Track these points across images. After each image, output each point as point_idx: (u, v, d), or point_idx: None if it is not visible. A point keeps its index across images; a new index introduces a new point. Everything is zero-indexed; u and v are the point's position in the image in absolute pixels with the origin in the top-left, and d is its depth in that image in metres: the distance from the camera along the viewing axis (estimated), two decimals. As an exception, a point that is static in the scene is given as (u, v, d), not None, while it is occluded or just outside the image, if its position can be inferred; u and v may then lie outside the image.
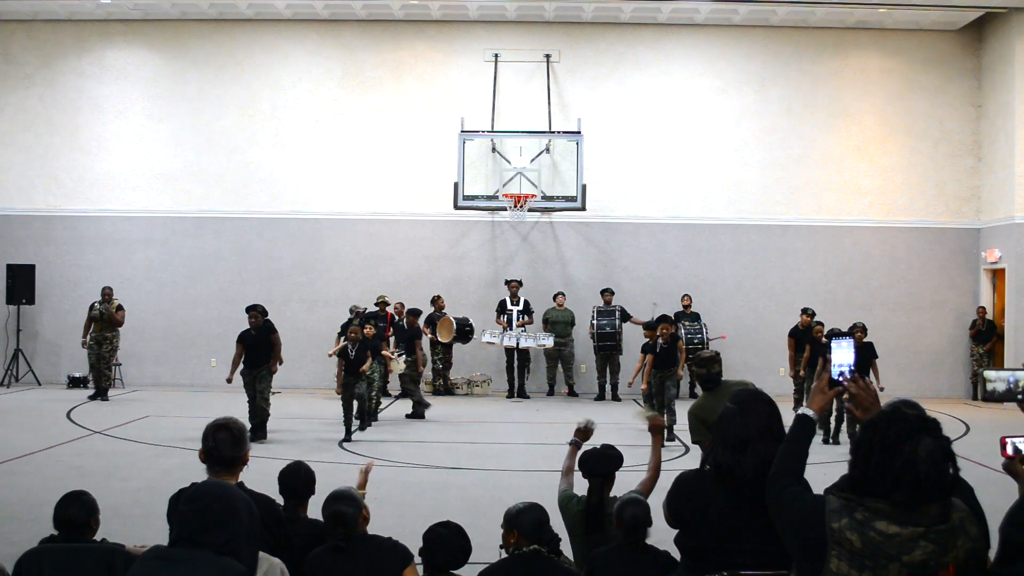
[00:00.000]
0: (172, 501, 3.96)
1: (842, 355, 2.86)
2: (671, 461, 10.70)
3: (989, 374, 2.78)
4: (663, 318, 12.61)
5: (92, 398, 15.15)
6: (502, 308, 16.48)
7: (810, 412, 2.82)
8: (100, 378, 15.37)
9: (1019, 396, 2.70)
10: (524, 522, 4.05)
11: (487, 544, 4.62)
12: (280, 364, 12.64)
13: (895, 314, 17.19)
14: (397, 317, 16.14)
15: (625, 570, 4.05)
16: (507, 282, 16.62)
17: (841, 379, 2.84)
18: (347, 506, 3.99)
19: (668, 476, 4.01)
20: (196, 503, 2.58)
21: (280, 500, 4.45)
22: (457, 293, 17.07)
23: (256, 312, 12.15)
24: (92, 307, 15.56)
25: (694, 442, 6.63)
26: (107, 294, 15.60)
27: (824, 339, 12.98)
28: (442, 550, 4.04)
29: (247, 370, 11.98)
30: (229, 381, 12.19)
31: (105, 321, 15.38)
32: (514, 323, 16.19)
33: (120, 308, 15.62)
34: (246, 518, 2.60)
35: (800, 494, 2.57)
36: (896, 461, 2.38)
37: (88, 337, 15.47)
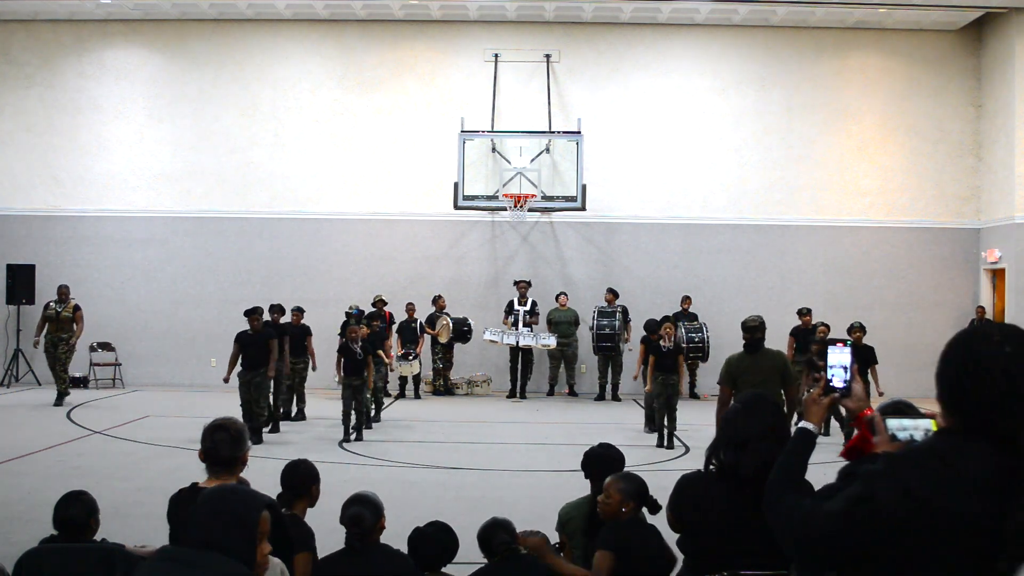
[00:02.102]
0: (172, 501, 3.96)
1: (837, 357, 2.81)
2: (671, 461, 10.71)
3: (891, 423, 2.48)
4: (665, 319, 12.60)
5: (57, 404, 14.36)
6: (510, 308, 16.50)
7: (810, 426, 2.75)
8: (58, 380, 14.61)
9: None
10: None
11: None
12: (304, 367, 12.90)
13: (895, 314, 17.18)
14: (408, 317, 16.18)
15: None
16: (516, 283, 16.63)
17: (833, 384, 2.79)
18: (367, 509, 3.99)
19: (670, 477, 4.02)
20: (206, 506, 2.55)
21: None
22: (457, 293, 17.06)
23: (256, 316, 12.11)
24: (47, 306, 14.92)
25: (718, 383, 8.06)
26: (63, 293, 14.90)
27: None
28: (425, 548, 4.09)
29: (244, 372, 11.95)
30: (226, 380, 12.19)
31: (61, 322, 14.69)
32: (520, 323, 16.19)
33: (78, 308, 14.90)
34: (253, 523, 2.57)
35: (798, 501, 2.55)
36: None
37: (41, 337, 14.78)
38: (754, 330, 8.11)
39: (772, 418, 3.31)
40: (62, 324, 14.73)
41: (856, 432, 2.54)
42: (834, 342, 2.82)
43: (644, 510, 4.28)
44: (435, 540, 4.18)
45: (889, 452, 2.25)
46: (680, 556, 3.68)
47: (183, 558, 2.49)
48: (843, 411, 11.96)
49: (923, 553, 1.96)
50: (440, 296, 16.54)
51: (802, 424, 2.77)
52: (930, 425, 2.42)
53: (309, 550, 4.13)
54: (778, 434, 3.26)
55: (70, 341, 14.74)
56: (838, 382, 2.78)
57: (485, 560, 4.41)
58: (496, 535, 4.16)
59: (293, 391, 13.52)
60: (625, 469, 4.96)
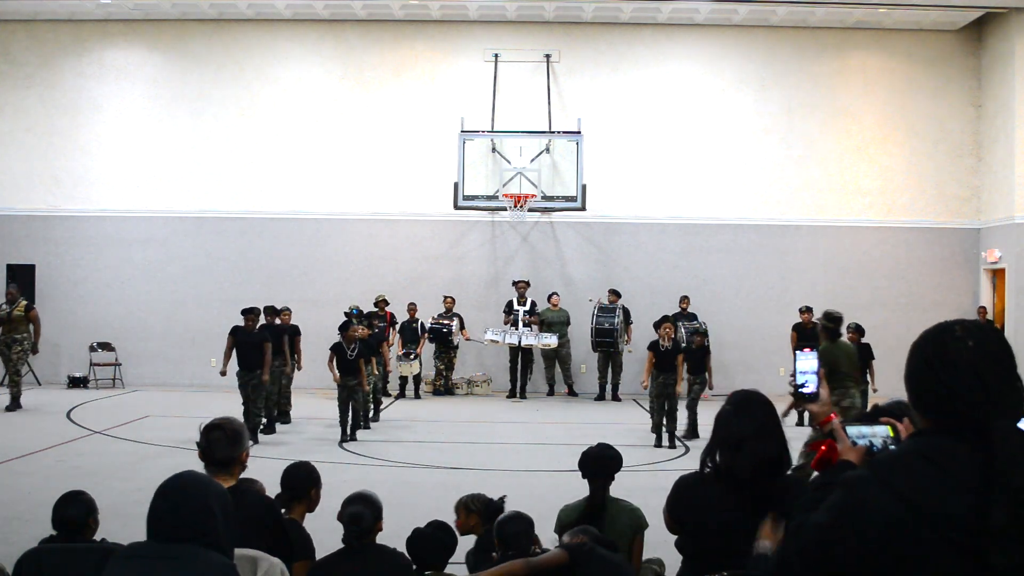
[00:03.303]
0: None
1: (806, 363, 2.80)
2: (671, 461, 10.71)
3: (851, 430, 2.44)
4: (664, 319, 12.59)
5: (9, 408, 13.85)
6: (509, 308, 16.50)
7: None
8: (11, 383, 14.14)
9: (892, 449, 2.39)
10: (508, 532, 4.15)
11: (487, 544, 4.63)
12: (301, 368, 12.88)
13: (895, 314, 17.17)
14: (409, 316, 16.18)
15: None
16: (515, 283, 16.62)
17: (803, 390, 2.77)
18: (367, 509, 3.99)
19: (669, 477, 4.02)
20: (168, 498, 2.53)
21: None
22: (457, 293, 17.04)
23: (252, 316, 12.07)
24: None
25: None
26: (11, 294, 14.36)
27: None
28: (423, 547, 4.11)
29: (241, 371, 11.90)
30: (223, 374, 12.15)
31: (13, 322, 14.10)
32: (520, 323, 16.19)
33: (31, 308, 14.35)
34: (219, 509, 2.55)
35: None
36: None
37: None
38: (839, 321, 9.32)
39: (765, 417, 3.30)
40: (14, 325, 14.10)
41: (824, 444, 2.52)
42: (802, 347, 2.82)
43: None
44: (433, 539, 4.19)
45: (872, 458, 2.24)
46: (674, 556, 3.69)
47: (157, 553, 2.45)
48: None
49: (916, 556, 1.96)
50: (447, 296, 16.52)
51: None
52: (887, 432, 2.42)
53: (308, 558, 4.14)
54: (772, 433, 3.26)
55: (24, 344, 14.16)
56: (810, 387, 2.77)
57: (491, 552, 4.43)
58: (521, 536, 4.18)
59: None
60: (624, 469, 4.98)
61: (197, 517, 2.47)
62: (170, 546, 2.43)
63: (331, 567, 3.96)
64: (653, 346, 12.07)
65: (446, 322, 16.19)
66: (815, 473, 2.57)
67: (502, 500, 4.98)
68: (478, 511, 4.91)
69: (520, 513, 4.36)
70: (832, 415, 2.78)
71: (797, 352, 2.81)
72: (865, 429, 2.44)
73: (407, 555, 4.12)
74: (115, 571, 2.51)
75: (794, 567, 2.16)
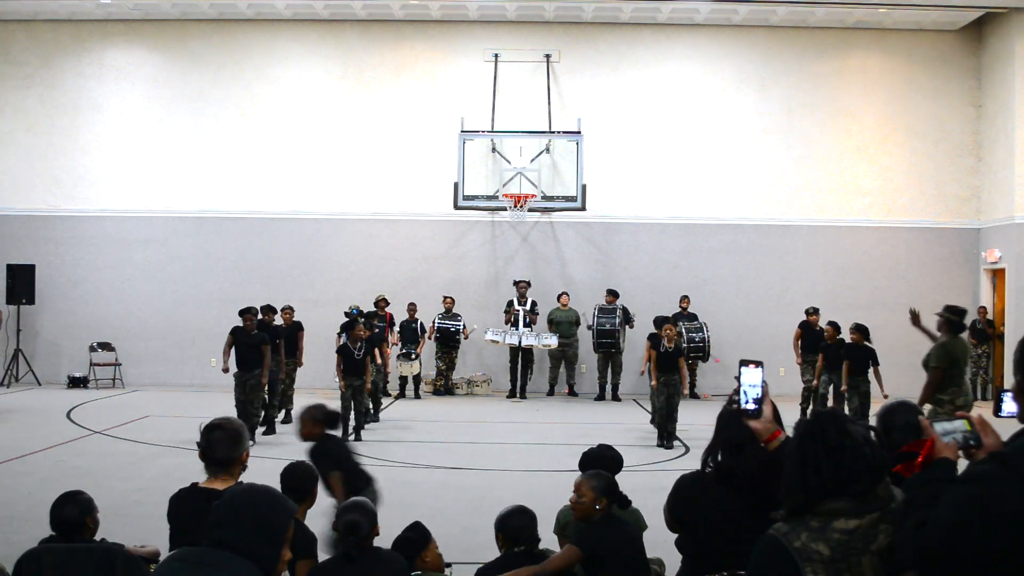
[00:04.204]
0: (172, 501, 3.96)
1: (750, 377, 2.76)
2: (671, 461, 10.71)
3: (937, 427, 2.42)
4: (665, 319, 12.56)
5: None
6: (509, 308, 16.50)
7: None
8: None
9: (971, 443, 2.39)
10: (509, 526, 4.18)
11: (487, 544, 4.63)
12: (290, 370, 12.89)
13: (895, 314, 17.11)
14: (409, 316, 16.18)
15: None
16: (516, 283, 16.62)
17: (744, 404, 2.72)
18: (364, 518, 4.00)
19: (669, 477, 4.02)
20: (240, 507, 2.50)
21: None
22: (457, 293, 17.05)
23: (250, 316, 12.02)
24: None
25: (932, 366, 8.48)
26: None
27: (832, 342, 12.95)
28: (404, 553, 4.15)
29: (239, 372, 11.85)
30: (225, 371, 12.09)
31: None
32: (520, 323, 16.18)
33: None
34: (274, 527, 2.52)
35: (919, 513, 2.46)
36: (846, 455, 2.40)
37: None
38: (963, 314, 9.10)
39: None
40: None
41: (929, 442, 2.47)
42: (747, 363, 2.77)
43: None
44: (409, 541, 4.23)
45: (998, 451, 2.21)
46: (674, 555, 3.69)
47: (193, 558, 2.45)
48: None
49: None
50: (447, 297, 16.52)
51: None
52: (964, 425, 2.41)
53: (311, 557, 4.14)
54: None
55: None
56: (750, 403, 2.72)
57: (490, 547, 4.44)
58: (525, 529, 4.22)
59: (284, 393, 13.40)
60: (624, 469, 4.98)
61: (252, 529, 2.44)
62: (206, 551, 2.42)
63: (331, 573, 3.96)
64: (653, 340, 11.92)
65: (453, 322, 16.21)
66: None
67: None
68: (322, 420, 5.51)
69: (523, 507, 4.35)
70: (777, 432, 2.75)
71: (742, 367, 2.75)
72: (947, 425, 2.43)
73: (405, 561, 4.14)
74: (163, 571, 2.51)
75: (926, 562, 2.10)
